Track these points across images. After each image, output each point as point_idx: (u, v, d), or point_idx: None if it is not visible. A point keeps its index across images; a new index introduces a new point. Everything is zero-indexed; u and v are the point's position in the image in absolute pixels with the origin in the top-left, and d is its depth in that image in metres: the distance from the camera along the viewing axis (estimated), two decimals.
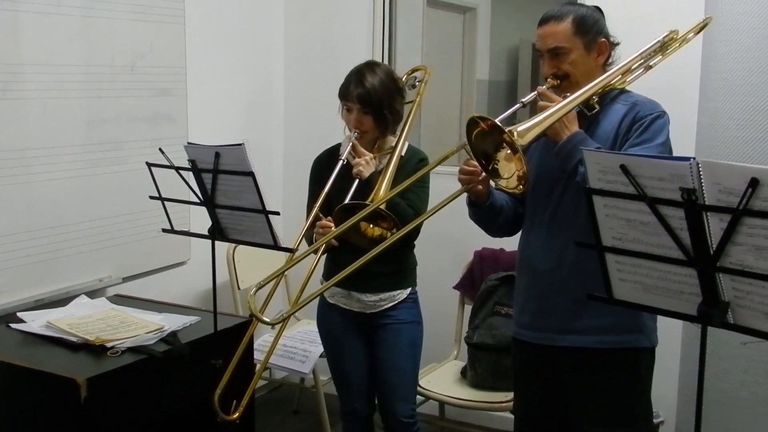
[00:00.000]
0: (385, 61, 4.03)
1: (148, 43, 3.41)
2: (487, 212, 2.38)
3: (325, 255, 2.84)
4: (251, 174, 2.49)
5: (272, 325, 2.15)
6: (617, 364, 2.28)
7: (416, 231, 2.67)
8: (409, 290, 2.88)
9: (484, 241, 3.71)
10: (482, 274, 3.68)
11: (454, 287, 3.78)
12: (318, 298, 2.91)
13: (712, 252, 1.62)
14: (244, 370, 2.79)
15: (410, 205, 2.72)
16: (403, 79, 3.04)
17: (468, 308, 3.67)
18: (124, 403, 2.58)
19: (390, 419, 2.91)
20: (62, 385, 2.41)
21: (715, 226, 1.60)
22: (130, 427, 2.62)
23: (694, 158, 1.59)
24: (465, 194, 2.32)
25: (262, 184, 2.51)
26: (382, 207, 2.56)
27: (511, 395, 3.29)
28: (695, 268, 1.67)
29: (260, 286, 2.11)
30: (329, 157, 2.88)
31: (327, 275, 2.91)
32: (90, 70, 3.17)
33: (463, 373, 3.52)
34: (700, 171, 1.58)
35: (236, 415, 2.68)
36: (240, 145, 2.50)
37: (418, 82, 3.08)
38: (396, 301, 2.85)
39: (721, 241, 1.59)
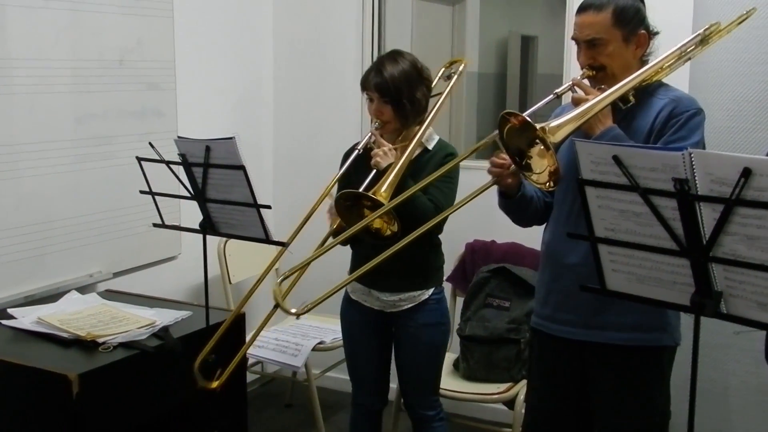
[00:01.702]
0: (375, 54, 4.02)
1: (137, 37, 3.38)
2: (517, 203, 2.32)
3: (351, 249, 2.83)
4: (242, 168, 2.48)
5: (297, 315, 2.15)
6: (642, 362, 2.26)
7: (438, 227, 2.61)
8: (432, 290, 2.81)
9: (476, 233, 3.74)
10: (474, 266, 3.68)
11: (446, 279, 3.76)
12: (342, 292, 2.89)
13: (704, 242, 1.62)
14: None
15: (431, 199, 2.62)
16: (441, 71, 2.95)
17: (460, 300, 3.67)
18: (116, 398, 2.57)
19: (411, 413, 2.95)
20: (54, 381, 2.40)
21: (707, 216, 1.60)
22: (122, 423, 2.61)
23: (686, 148, 1.59)
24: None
25: (252, 178, 2.50)
26: (386, 199, 2.47)
27: (504, 386, 3.31)
28: (688, 258, 1.67)
29: (285, 277, 2.13)
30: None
31: (353, 270, 2.84)
32: (78, 65, 3.15)
33: (456, 365, 3.52)
34: (692, 161, 1.57)
35: (216, 384, 2.56)
36: (231, 138, 2.48)
37: (453, 73, 2.96)
38: (417, 302, 2.79)
39: (714, 231, 1.59)
